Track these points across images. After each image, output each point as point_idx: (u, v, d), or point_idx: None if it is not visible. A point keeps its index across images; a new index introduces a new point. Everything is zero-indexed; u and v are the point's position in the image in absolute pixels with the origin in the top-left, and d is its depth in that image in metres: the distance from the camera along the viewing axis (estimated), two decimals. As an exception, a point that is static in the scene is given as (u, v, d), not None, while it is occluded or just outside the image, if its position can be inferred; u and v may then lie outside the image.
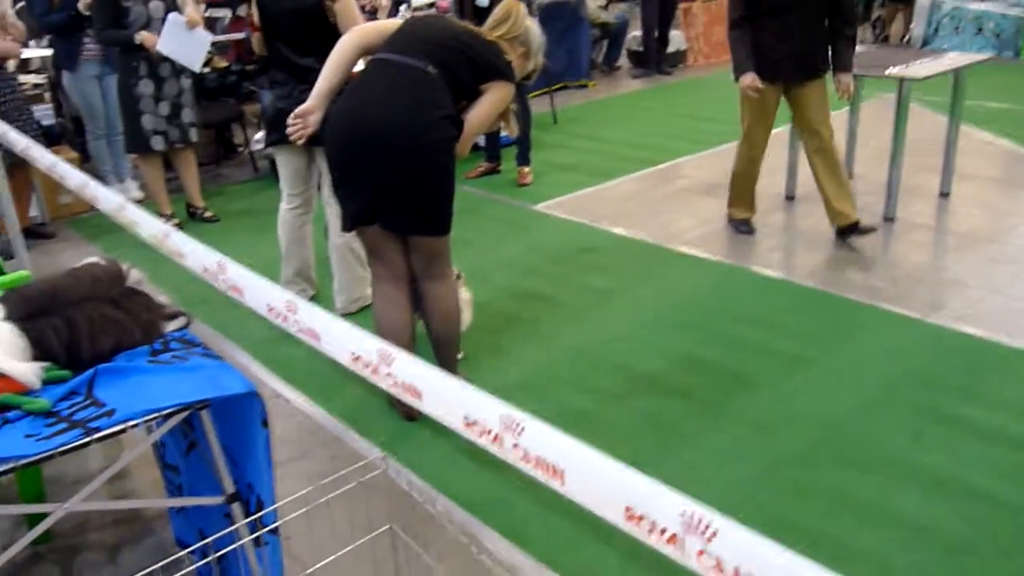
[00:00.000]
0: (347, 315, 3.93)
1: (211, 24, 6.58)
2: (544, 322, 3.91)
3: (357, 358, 1.50)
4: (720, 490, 2.71)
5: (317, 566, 1.73)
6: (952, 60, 5.16)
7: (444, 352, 3.14)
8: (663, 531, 1.04)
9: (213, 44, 5.72)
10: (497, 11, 3.03)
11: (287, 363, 3.61)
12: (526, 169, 6.03)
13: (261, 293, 1.73)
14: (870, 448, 2.90)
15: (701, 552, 1.00)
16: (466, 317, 3.50)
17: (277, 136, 3.71)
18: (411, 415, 3.07)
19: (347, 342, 1.52)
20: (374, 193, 2.82)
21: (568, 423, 3.13)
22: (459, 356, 3.46)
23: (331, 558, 1.75)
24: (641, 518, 1.07)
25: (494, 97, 2.87)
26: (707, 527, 1.00)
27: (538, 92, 8.02)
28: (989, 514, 2.56)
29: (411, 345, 3.02)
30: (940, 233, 4.83)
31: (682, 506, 1.02)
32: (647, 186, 5.90)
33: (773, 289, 4.17)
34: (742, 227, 4.93)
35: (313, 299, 4.21)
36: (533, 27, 3.04)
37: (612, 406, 3.21)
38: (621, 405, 3.22)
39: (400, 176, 2.77)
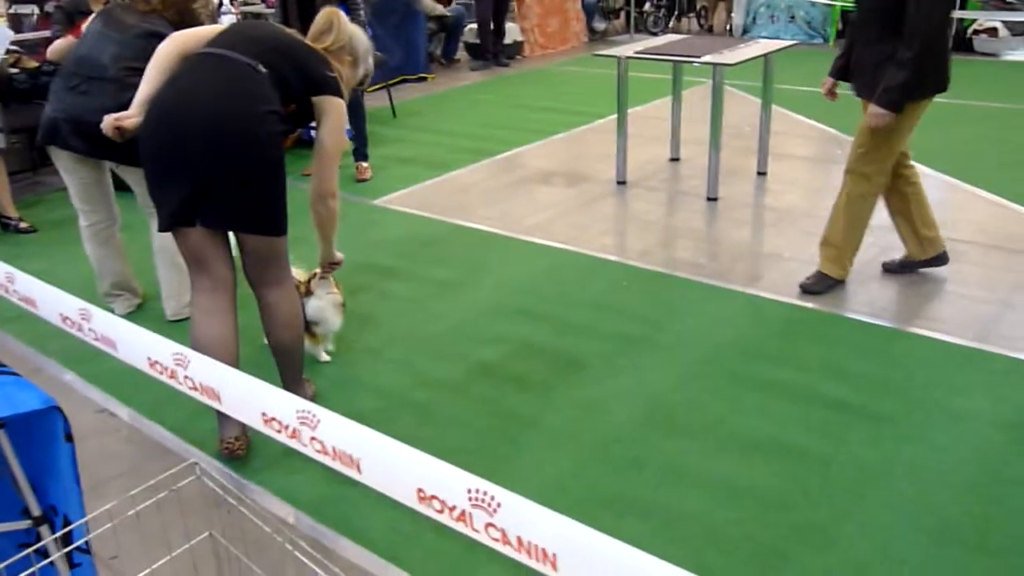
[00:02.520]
0: (178, 321, 3.79)
1: (16, 21, 6.17)
2: (382, 316, 3.89)
3: (154, 363, 1.45)
4: (556, 470, 2.78)
5: (132, 580, 1.66)
6: (762, 47, 5.47)
7: (286, 362, 3.00)
8: (452, 508, 1.07)
9: (20, 43, 5.37)
10: (318, 21, 2.92)
11: (112, 376, 3.44)
12: (364, 164, 5.98)
13: (53, 303, 1.65)
14: (694, 416, 3.05)
15: (488, 525, 1.04)
16: (336, 321, 3.43)
17: (65, 143, 3.60)
18: (234, 453, 2.86)
19: (142, 348, 1.48)
20: (195, 187, 2.63)
21: (408, 416, 3.15)
22: (326, 358, 3.49)
23: (147, 571, 1.69)
24: (433, 498, 1.09)
25: (334, 115, 2.81)
26: (491, 500, 1.03)
27: (376, 87, 7.96)
28: (801, 469, 2.75)
29: (235, 360, 2.80)
30: (758, 210, 5.12)
31: (468, 483, 1.05)
32: (486, 176, 5.96)
33: (607, 271, 4.31)
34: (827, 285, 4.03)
35: (139, 307, 4.04)
36: (357, 33, 2.98)
37: (451, 396, 3.24)
38: (459, 395, 3.24)
39: (227, 167, 2.62)
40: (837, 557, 2.37)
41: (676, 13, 12.57)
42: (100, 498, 1.80)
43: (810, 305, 3.83)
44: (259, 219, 2.76)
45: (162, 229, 2.78)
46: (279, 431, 1.25)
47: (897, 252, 4.21)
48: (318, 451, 1.21)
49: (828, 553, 2.38)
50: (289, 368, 3.01)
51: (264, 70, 2.68)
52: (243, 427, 2.89)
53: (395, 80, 8.63)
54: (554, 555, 0.96)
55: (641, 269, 4.30)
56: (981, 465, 2.73)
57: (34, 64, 6.44)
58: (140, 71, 3.40)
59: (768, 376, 3.28)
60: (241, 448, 2.86)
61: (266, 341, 3.03)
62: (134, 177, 3.66)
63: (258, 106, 2.64)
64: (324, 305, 3.36)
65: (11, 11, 6.04)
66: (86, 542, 1.84)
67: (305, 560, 1.44)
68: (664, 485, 2.70)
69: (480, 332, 3.72)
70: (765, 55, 5.32)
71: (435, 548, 2.44)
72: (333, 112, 2.80)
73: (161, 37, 3.29)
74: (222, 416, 2.86)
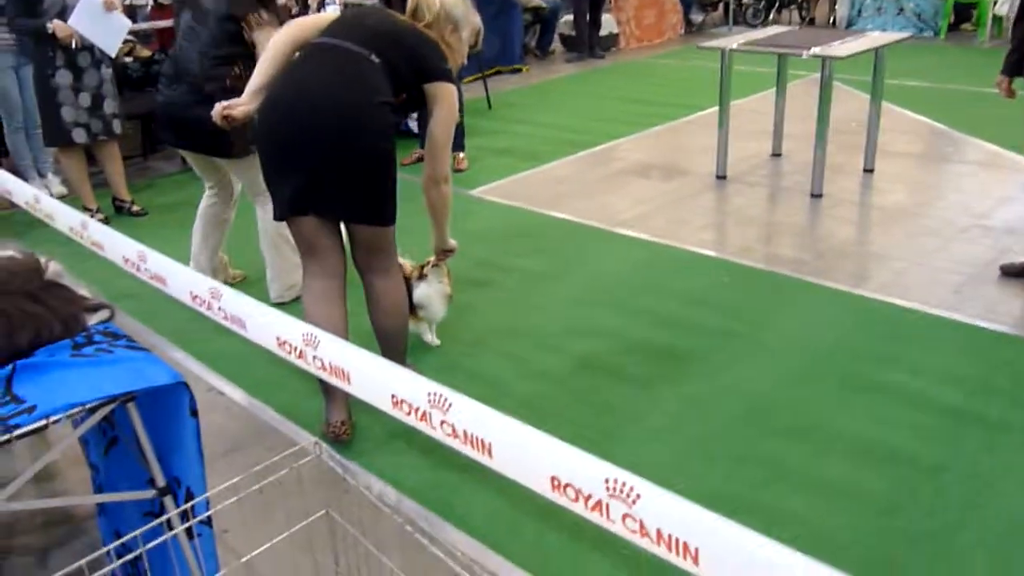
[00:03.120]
0: (281, 304, 3.88)
1: (131, 12, 6.41)
2: (481, 307, 3.92)
3: (283, 343, 1.49)
4: (656, 465, 2.75)
5: (253, 554, 1.71)
6: (873, 39, 5.29)
7: (389, 348, 3.02)
8: (588, 498, 1.06)
9: (135, 32, 5.58)
10: (408, 2, 2.91)
11: (221, 356, 3.56)
12: (461, 155, 6.02)
13: (184, 281, 1.71)
14: (799, 417, 2.97)
15: (625, 516, 1.02)
16: (440, 310, 3.47)
17: (163, 136, 3.78)
18: (339, 437, 2.91)
19: (272, 327, 1.51)
20: (310, 178, 2.68)
21: (509, 407, 3.15)
22: (434, 340, 3.55)
23: (267, 545, 1.73)
24: (567, 486, 1.09)
25: (447, 102, 2.79)
26: (631, 491, 1.02)
27: (472, 78, 8.01)
28: (912, 476, 2.65)
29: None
30: (864, 208, 4.96)
31: (605, 472, 1.04)
32: (582, 169, 5.93)
33: (706, 267, 4.24)
34: None
35: (243, 288, 4.16)
36: (447, 1, 2.93)
37: (551, 388, 3.23)
38: (560, 387, 3.24)
39: (340, 158, 2.65)
40: (951, 567, 2.28)
41: (776, 5, 12.28)
42: (211, 473, 1.86)
43: (920, 307, 3.69)
44: (371, 210, 2.79)
45: (277, 218, 2.85)
46: (408, 413, 1.26)
47: (1017, 255, 4.03)
48: (448, 434, 1.21)
49: (942, 563, 2.30)
50: (392, 353, 3.03)
51: (377, 60, 2.69)
52: (349, 412, 2.95)
53: (490, 71, 8.66)
54: (696, 549, 0.94)
55: (741, 265, 4.22)
56: (1110, 480, 2.59)
57: (147, 53, 6.70)
58: (223, 60, 3.51)
59: (876, 379, 3.18)
60: (347, 432, 2.91)
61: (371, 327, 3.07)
62: (236, 168, 3.75)
63: (372, 97, 2.66)
64: (432, 293, 3.40)
65: (127, 2, 6.27)
66: (207, 515, 1.90)
67: (421, 538, 1.45)
68: (768, 484, 2.64)
69: (578, 324, 3.70)
70: (876, 48, 5.14)
71: (537, 537, 2.44)
72: (445, 98, 2.80)
73: (237, 20, 3.40)
74: (329, 400, 2.93)
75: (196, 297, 1.67)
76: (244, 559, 1.60)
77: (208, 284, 1.64)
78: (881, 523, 2.46)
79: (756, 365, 3.32)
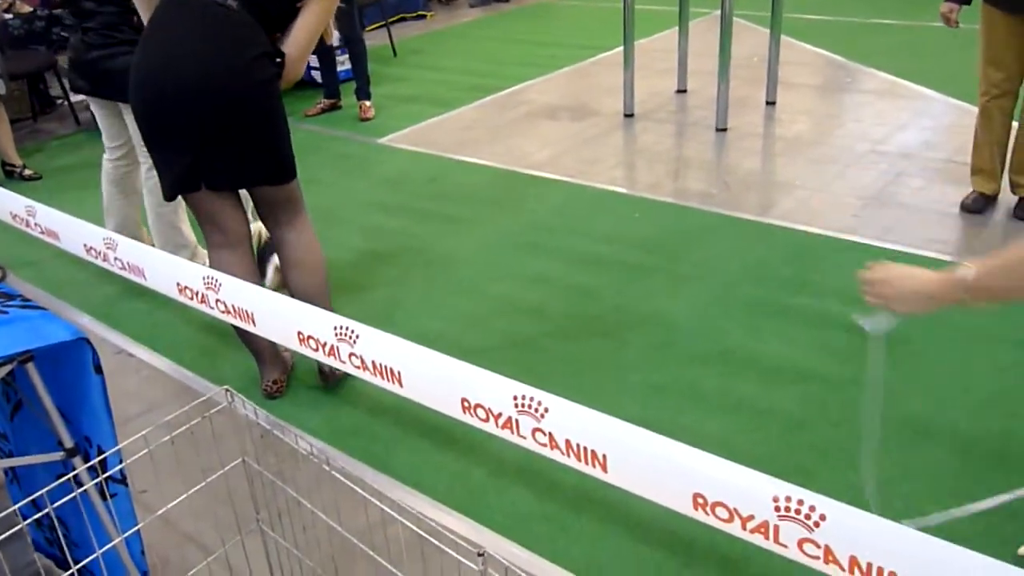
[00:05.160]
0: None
1: (8, -35, 6.05)
2: (396, 254, 3.88)
3: (184, 288, 1.45)
4: (577, 398, 2.79)
5: (169, 506, 1.68)
6: (770, -28, 5.35)
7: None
8: (499, 416, 1.07)
9: (12, -13, 5.27)
10: None
11: (127, 318, 3.45)
12: (367, 103, 5.91)
13: (77, 233, 1.64)
14: (713, 344, 3.05)
15: (535, 430, 1.04)
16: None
17: (72, 86, 3.53)
18: (272, 395, 2.88)
19: (172, 274, 1.47)
20: (196, 153, 2.51)
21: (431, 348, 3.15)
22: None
23: (183, 497, 1.71)
24: (477, 407, 1.09)
25: (318, 8, 2.56)
26: (539, 405, 1.03)
27: (375, 25, 7.83)
28: (821, 392, 2.76)
29: None
30: (768, 139, 5.06)
31: (513, 390, 1.05)
32: (490, 113, 5.89)
33: (618, 204, 4.28)
34: (977, 205, 3.91)
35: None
36: None
37: (469, 328, 3.24)
38: (478, 327, 3.25)
39: (222, 128, 2.48)
40: (854, 473, 2.39)
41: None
42: (125, 436, 1.81)
43: (822, 232, 3.81)
44: (265, 170, 2.64)
45: (167, 198, 2.66)
46: (316, 349, 1.25)
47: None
48: (357, 367, 1.21)
49: (850, 471, 2.40)
50: None
51: (233, 2, 2.46)
52: (283, 370, 2.92)
53: (394, 18, 8.48)
54: (604, 456, 0.96)
55: (652, 201, 4.27)
56: (998, 382, 2.74)
57: (28, 9, 6.34)
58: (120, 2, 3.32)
59: (784, 302, 3.28)
60: (279, 390, 2.90)
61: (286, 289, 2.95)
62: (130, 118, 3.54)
63: (242, 54, 2.46)
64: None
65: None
66: (120, 472, 1.86)
67: (341, 478, 1.45)
68: (685, 411, 2.72)
69: (494, 266, 3.71)
70: (774, -19, 5.20)
71: (460, 474, 2.47)
72: (321, 2, 2.56)
73: None
74: (260, 362, 2.90)
75: (91, 249, 1.61)
76: (159, 512, 1.57)
77: (103, 234, 1.58)
78: (792, 438, 2.56)
79: (669, 296, 3.38)
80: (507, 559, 2.00)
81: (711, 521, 0.89)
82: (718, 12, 5.07)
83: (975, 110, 3.91)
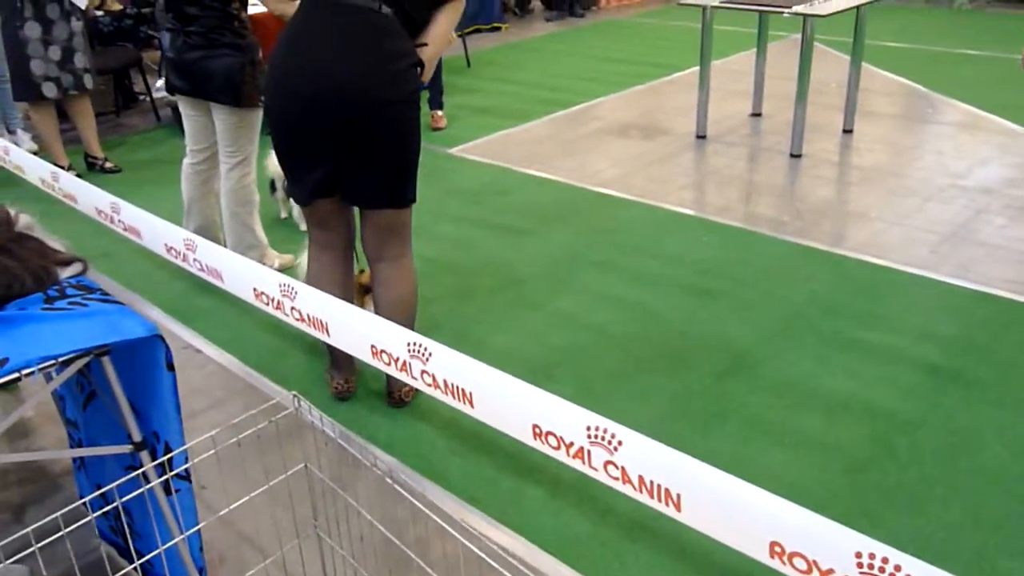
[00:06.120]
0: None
1: (102, -35, 6.26)
2: (463, 265, 3.89)
3: (260, 294, 1.47)
4: (638, 424, 2.76)
5: (231, 507, 1.70)
6: (854, -2, 5.26)
7: None
8: (570, 445, 1.05)
9: (105, -14, 5.45)
10: None
11: (197, 314, 3.52)
12: (439, 113, 5.96)
13: (159, 232, 1.67)
14: (778, 374, 2.99)
15: (607, 463, 1.02)
16: None
17: (168, 86, 3.60)
18: (342, 395, 2.89)
19: (249, 278, 1.49)
20: (333, 165, 2.47)
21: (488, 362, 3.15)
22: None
23: (245, 499, 1.72)
24: (548, 434, 1.08)
25: (450, 16, 2.51)
26: (612, 438, 1.01)
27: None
28: (888, 431, 2.68)
29: None
30: (844, 168, 4.96)
31: (587, 420, 1.03)
32: (561, 128, 5.89)
33: (686, 226, 4.23)
34: None
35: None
36: None
37: (530, 342, 3.23)
38: (539, 342, 3.24)
39: (364, 142, 2.42)
40: (927, 520, 2.31)
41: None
42: (189, 432, 1.84)
43: (897, 266, 3.71)
44: (395, 191, 2.56)
45: (300, 203, 2.66)
46: (389, 363, 1.25)
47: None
48: (429, 384, 1.20)
49: (917, 516, 2.33)
50: None
51: (387, 9, 2.37)
52: (353, 371, 2.92)
53: (469, 29, 8.53)
54: (678, 495, 0.94)
55: (721, 225, 4.22)
56: (1080, 435, 2.63)
57: (118, 7, 6.55)
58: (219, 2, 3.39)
59: (854, 336, 3.20)
60: (349, 391, 2.90)
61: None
62: (234, 119, 3.58)
63: (390, 65, 2.39)
64: None
65: (96, -45, 6.13)
66: (185, 469, 1.89)
67: (402, 491, 1.44)
68: (748, 440, 2.66)
69: (560, 284, 3.69)
70: (857, 7, 5.11)
71: (515, 493, 2.45)
72: (453, 10, 2.52)
73: None
74: (334, 361, 2.90)
75: (171, 249, 1.64)
76: (221, 513, 1.59)
77: (183, 235, 1.61)
78: (857, 477, 2.49)
79: (735, 322, 3.33)
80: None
81: (787, 571, 0.87)
82: (797, 35, 5.00)
83: None
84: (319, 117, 2.40)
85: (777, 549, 0.86)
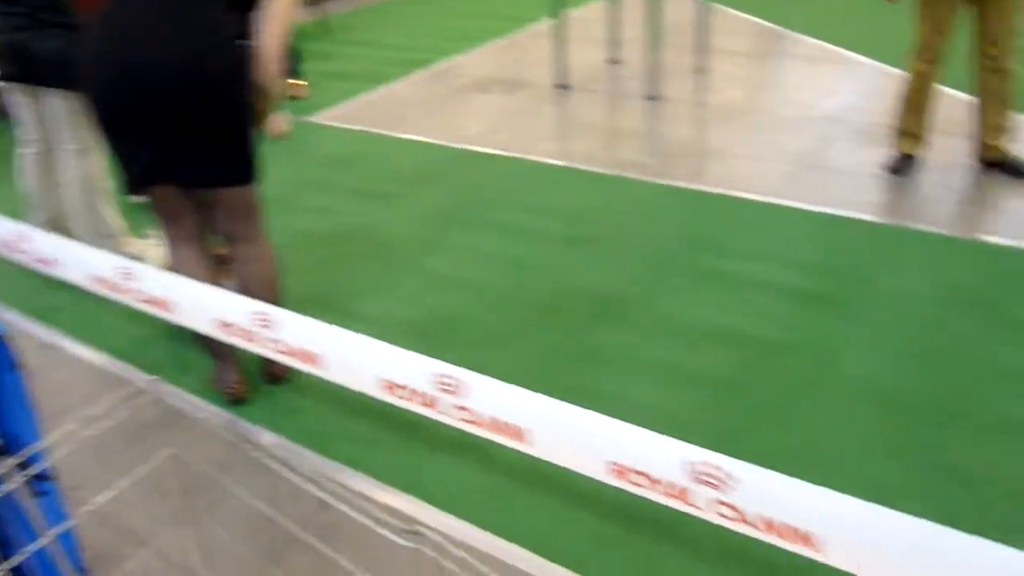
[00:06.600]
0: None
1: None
2: (332, 233, 3.84)
3: (99, 279, 1.41)
4: (510, 367, 2.80)
5: (98, 500, 1.65)
6: (697, -61, 5.37)
7: None
8: (422, 395, 1.07)
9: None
10: None
11: (53, 311, 3.36)
12: (298, 81, 5.80)
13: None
14: (649, 312, 3.08)
15: (457, 407, 1.04)
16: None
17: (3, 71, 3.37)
18: (238, 397, 2.68)
19: (85, 263, 1.43)
20: (160, 146, 2.35)
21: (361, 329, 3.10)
22: None
23: (112, 493, 1.67)
24: (402, 387, 1.09)
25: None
26: (459, 384, 1.03)
27: None
28: (756, 355, 2.80)
29: None
30: (699, 107, 5.11)
31: (433, 368, 1.04)
32: (422, 88, 5.84)
33: (553, 177, 4.28)
34: (901, 167, 4.02)
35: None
36: None
37: (402, 304, 3.23)
38: (411, 303, 3.24)
39: (193, 120, 2.31)
40: (792, 434, 2.44)
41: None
42: (57, 432, 1.77)
43: (755, 198, 3.87)
44: (235, 168, 2.47)
45: (130, 193, 2.52)
46: (236, 335, 1.23)
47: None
48: (279, 351, 1.19)
49: (783, 431, 2.46)
50: None
51: None
52: (239, 368, 2.74)
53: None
54: (528, 430, 0.97)
55: (587, 172, 4.29)
56: (921, 337, 2.82)
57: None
58: None
59: (720, 268, 3.33)
60: (244, 392, 2.70)
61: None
62: (63, 103, 3.40)
63: (213, 36, 2.30)
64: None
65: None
66: (47, 469, 1.82)
67: (273, 465, 1.43)
68: (619, 375, 2.74)
69: (430, 244, 3.69)
70: (701, -52, 5.23)
71: (395, 449, 2.46)
72: None
73: None
74: (219, 359, 2.71)
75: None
76: (86, 507, 1.54)
77: (12, 227, 1.53)
78: (726, 402, 2.60)
79: (603, 263, 3.41)
80: (445, 532, 2.01)
81: (628, 487, 0.91)
82: (646, -20, 5.08)
83: (899, 73, 3.99)
84: (139, 99, 2.28)
85: (615, 468, 0.89)
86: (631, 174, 4.21)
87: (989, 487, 2.20)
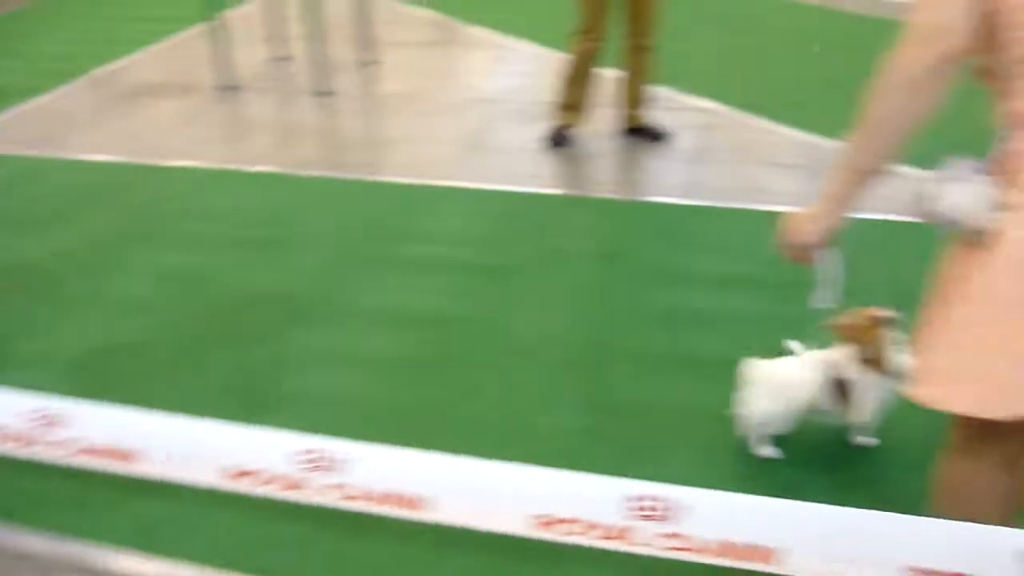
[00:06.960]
0: None
1: None
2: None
3: None
4: (209, 385, 2.74)
5: None
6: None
7: None
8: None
9: None
10: None
11: None
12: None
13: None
14: (337, 306, 3.15)
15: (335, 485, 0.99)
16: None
17: None
18: None
19: None
20: None
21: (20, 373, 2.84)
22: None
23: None
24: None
25: None
26: (331, 460, 0.99)
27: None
28: (441, 333, 2.97)
29: None
30: (371, 99, 5.23)
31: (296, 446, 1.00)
32: (85, 97, 5.44)
33: (227, 181, 4.20)
34: (561, 139, 4.35)
35: None
36: None
37: (68, 343, 3.02)
38: (78, 340, 3.02)
39: None
40: (484, 403, 2.61)
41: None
42: None
43: (428, 182, 4.04)
44: None
45: None
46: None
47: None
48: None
49: (477, 402, 2.62)
50: None
51: None
52: None
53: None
54: (429, 497, 0.94)
55: (263, 173, 4.26)
56: (583, 293, 3.13)
57: None
58: None
59: (400, 254, 3.47)
60: None
61: None
62: None
63: None
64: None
65: None
66: None
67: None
68: (312, 374, 2.78)
69: (103, 270, 3.48)
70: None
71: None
72: None
73: None
74: None
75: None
76: None
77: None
78: (418, 380, 2.72)
79: (290, 267, 3.42)
80: None
81: (563, 539, 0.93)
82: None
83: (554, 54, 4.32)
84: None
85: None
86: (307, 171, 4.25)
87: (648, 415, 2.50)
